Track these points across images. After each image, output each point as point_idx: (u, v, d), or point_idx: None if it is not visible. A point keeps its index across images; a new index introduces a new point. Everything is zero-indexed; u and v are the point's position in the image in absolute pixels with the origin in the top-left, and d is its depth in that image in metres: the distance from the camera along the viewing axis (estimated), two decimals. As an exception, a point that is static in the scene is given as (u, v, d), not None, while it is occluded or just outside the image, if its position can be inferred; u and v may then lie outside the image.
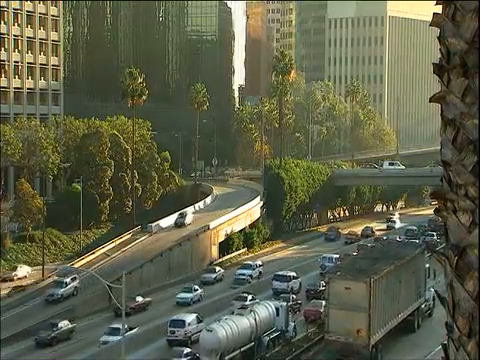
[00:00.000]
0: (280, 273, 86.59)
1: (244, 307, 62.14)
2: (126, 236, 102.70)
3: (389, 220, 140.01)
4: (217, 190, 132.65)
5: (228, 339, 53.95)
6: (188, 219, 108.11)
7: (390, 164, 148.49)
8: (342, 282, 56.74)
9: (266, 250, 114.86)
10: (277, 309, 61.76)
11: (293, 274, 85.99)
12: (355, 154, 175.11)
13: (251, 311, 59.03)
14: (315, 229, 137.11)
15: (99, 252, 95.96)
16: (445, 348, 6.27)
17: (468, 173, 5.81)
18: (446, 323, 6.26)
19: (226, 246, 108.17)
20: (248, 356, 57.57)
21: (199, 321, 64.94)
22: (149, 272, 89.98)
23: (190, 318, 64.82)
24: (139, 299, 79.41)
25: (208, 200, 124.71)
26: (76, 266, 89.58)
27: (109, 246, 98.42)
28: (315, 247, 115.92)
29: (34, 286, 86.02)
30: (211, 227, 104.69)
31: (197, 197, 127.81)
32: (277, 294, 78.57)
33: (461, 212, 5.94)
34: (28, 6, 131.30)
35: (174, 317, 65.65)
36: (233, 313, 61.09)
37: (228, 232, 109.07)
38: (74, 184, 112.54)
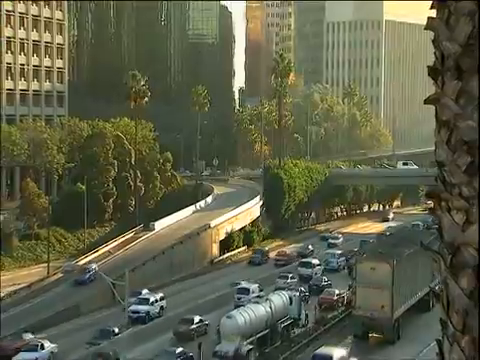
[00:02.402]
0: (305, 260, 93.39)
1: (260, 296, 66.06)
2: (129, 234, 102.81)
3: (327, 238, 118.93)
4: (218, 190, 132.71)
5: (246, 325, 56.32)
6: None
7: (404, 164, 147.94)
8: (368, 263, 61.65)
9: (265, 248, 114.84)
10: (290, 298, 64.36)
11: (317, 261, 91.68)
12: (352, 154, 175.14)
13: (267, 300, 61.84)
14: (313, 228, 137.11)
15: (103, 250, 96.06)
16: (439, 344, 6.27)
17: (462, 173, 5.82)
18: (441, 319, 6.26)
19: (227, 244, 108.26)
20: (264, 342, 59.59)
21: (261, 290, 74.59)
22: (152, 270, 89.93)
23: (253, 286, 75.46)
24: (28, 336, 63.95)
25: (209, 199, 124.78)
26: (80, 264, 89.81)
27: (112, 244, 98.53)
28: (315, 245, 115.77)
29: (39, 283, 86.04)
30: (212, 226, 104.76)
31: (198, 196, 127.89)
32: (302, 280, 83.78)
33: (455, 211, 5.94)
34: (34, 10, 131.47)
35: (240, 285, 76.72)
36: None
37: (228, 230, 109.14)
38: (78, 184, 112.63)
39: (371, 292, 59.92)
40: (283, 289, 71.54)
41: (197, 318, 64.87)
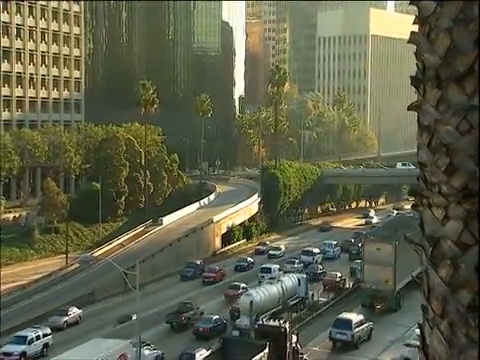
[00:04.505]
0: (306, 249, 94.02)
1: (273, 278, 69.85)
2: (139, 229, 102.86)
3: (264, 251, 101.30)
4: (220, 188, 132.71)
5: (262, 302, 58.77)
6: None
7: (403, 164, 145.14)
8: (374, 244, 65.93)
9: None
10: (299, 280, 67.99)
11: (317, 250, 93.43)
12: (342, 156, 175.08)
13: (279, 281, 65.37)
14: (307, 222, 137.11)
15: (115, 242, 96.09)
16: (421, 327, 6.28)
17: (441, 173, 5.84)
18: (422, 305, 6.27)
19: (228, 237, 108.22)
20: (276, 317, 61.17)
21: (280, 270, 78.20)
22: (160, 260, 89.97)
23: (274, 266, 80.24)
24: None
25: (212, 197, 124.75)
26: (95, 255, 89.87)
27: (124, 237, 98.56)
28: (306, 238, 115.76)
29: (58, 272, 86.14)
30: (214, 221, 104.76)
31: (202, 194, 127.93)
32: (305, 266, 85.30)
33: (435, 207, 5.96)
34: (54, 26, 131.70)
35: (263, 265, 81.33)
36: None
37: (229, 225, 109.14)
38: (93, 183, 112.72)
39: (377, 269, 63.82)
40: (291, 272, 74.66)
41: (243, 284, 71.83)
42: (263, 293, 60.93)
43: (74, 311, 66.37)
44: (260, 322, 51.15)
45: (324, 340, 56.25)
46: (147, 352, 48.15)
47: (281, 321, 49.78)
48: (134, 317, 55.54)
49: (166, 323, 61.94)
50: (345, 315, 57.55)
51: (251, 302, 55.60)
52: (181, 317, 61.67)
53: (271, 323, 49.59)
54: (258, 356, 43.40)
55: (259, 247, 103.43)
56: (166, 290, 79.78)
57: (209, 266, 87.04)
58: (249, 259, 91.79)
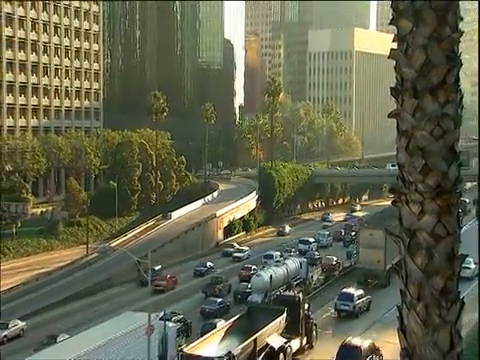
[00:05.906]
0: (303, 239, 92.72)
1: (279, 261, 71.37)
2: (151, 222, 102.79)
3: (229, 253, 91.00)
4: (222, 186, 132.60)
5: (270, 282, 59.40)
6: None
7: (392, 165, 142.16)
8: (368, 230, 68.06)
9: (260, 233, 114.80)
10: (301, 263, 69.54)
11: (312, 240, 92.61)
12: (330, 158, 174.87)
13: (284, 264, 66.87)
14: (299, 217, 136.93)
15: (130, 234, 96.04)
16: (399, 309, 6.28)
17: (417, 173, 5.84)
18: (400, 290, 6.28)
19: (229, 230, 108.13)
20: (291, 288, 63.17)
21: (281, 256, 78.49)
22: (169, 250, 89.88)
23: (276, 253, 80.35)
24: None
25: (215, 194, 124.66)
26: (112, 245, 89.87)
27: (138, 230, 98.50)
28: (298, 230, 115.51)
29: (80, 261, 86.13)
30: (217, 215, 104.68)
31: (206, 192, 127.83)
32: (302, 253, 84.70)
33: (412, 203, 5.97)
34: (76, 43, 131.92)
35: (266, 253, 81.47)
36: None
37: (231, 219, 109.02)
38: (111, 182, 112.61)
39: (370, 251, 65.51)
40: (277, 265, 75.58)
41: (254, 266, 73.78)
42: (271, 274, 62.38)
43: (15, 324, 54.22)
44: (278, 293, 53.20)
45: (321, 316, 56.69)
46: (170, 325, 48.46)
47: (296, 292, 51.49)
48: (59, 338, 45.98)
49: (201, 293, 66.34)
50: (348, 289, 59.26)
51: (271, 276, 58.30)
52: (214, 288, 66.16)
53: (287, 293, 51.65)
54: (277, 320, 45.56)
55: (227, 249, 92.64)
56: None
57: (160, 276, 72.43)
58: (209, 264, 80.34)
